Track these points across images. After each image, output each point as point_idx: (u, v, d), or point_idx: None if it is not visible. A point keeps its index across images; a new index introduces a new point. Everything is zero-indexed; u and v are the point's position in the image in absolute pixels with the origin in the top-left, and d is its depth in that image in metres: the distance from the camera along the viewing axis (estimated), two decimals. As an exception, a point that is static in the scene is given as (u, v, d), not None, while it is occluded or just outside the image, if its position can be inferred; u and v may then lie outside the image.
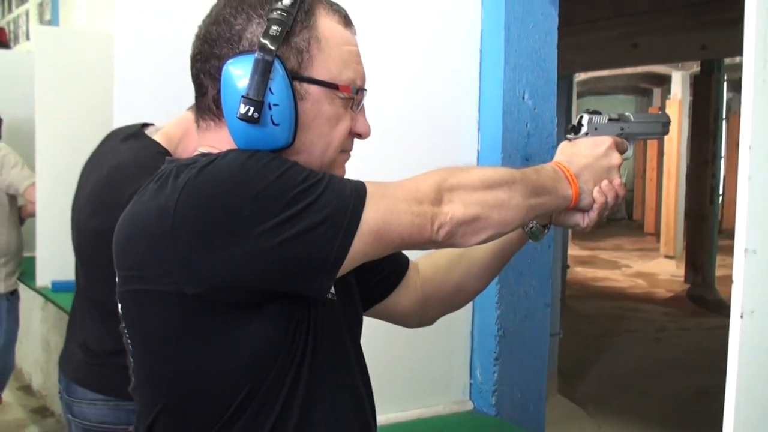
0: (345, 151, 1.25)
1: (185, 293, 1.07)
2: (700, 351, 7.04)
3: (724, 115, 9.96)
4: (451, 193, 1.16)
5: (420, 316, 1.59)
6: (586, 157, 1.39)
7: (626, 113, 1.52)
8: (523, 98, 2.30)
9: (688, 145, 10.32)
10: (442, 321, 2.17)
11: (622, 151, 1.45)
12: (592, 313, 8.21)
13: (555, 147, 2.37)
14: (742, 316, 1.02)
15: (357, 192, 1.11)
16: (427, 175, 1.19)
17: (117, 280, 1.20)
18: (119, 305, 1.22)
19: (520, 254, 1.61)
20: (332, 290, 1.22)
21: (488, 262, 1.52)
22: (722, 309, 8.68)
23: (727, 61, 9.09)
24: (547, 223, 1.46)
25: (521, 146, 2.30)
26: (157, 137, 2.00)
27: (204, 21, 1.21)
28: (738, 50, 5.57)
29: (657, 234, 12.67)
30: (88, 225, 2.00)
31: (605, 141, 1.42)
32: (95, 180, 2.00)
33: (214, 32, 1.17)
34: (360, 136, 1.25)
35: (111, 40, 2.80)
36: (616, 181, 1.41)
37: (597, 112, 1.47)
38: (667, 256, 11.58)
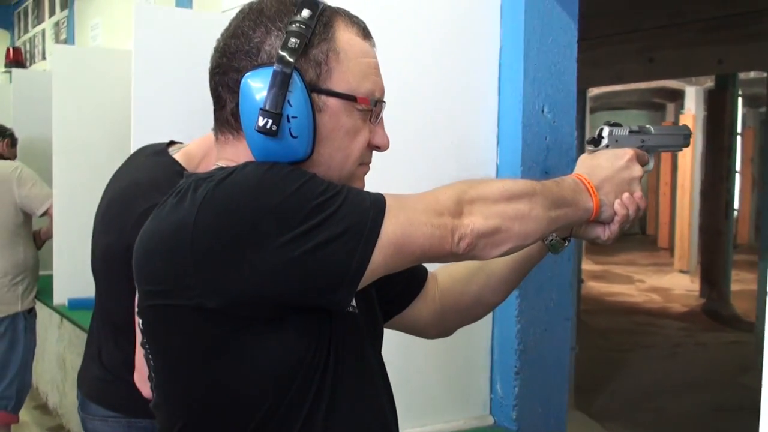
0: (364, 163, 1.25)
1: (206, 308, 1.07)
2: (717, 366, 6.99)
3: (739, 130, 9.93)
4: (472, 205, 1.16)
5: (438, 328, 1.58)
6: (607, 170, 1.38)
7: (647, 125, 1.51)
8: (543, 111, 2.29)
9: (702, 160, 10.29)
10: (462, 335, 2.16)
11: (643, 164, 1.44)
12: (606, 328, 8.16)
13: (575, 161, 2.37)
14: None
15: (376, 204, 1.10)
16: (446, 187, 1.18)
17: (137, 295, 1.20)
18: (140, 320, 1.22)
19: (539, 267, 1.59)
20: (353, 303, 1.22)
21: (507, 274, 1.51)
22: (738, 324, 8.63)
23: (741, 76, 9.06)
24: (567, 235, 1.45)
25: (541, 160, 2.29)
26: (177, 156, 2.00)
27: (222, 34, 1.21)
28: (754, 64, 5.57)
29: (671, 249, 12.60)
30: (99, 241, 2.01)
31: (626, 153, 1.41)
32: (111, 195, 2.01)
33: (233, 45, 1.18)
34: (378, 148, 1.25)
35: (129, 58, 2.82)
36: (637, 193, 1.40)
37: (617, 125, 1.46)
38: (681, 271, 11.52)
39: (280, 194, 1.06)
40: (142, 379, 1.76)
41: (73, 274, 4.05)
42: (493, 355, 2.38)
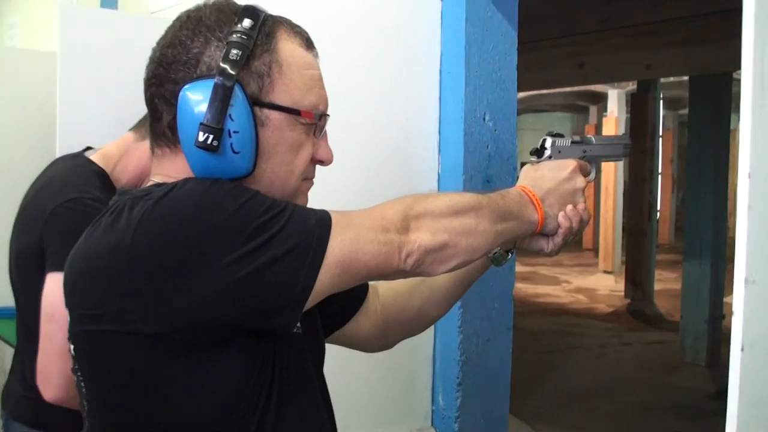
0: (308, 179, 1.21)
1: (143, 333, 1.01)
2: (643, 366, 7.12)
3: (660, 133, 10.16)
4: (418, 221, 1.13)
5: (380, 341, 1.55)
6: (551, 181, 1.37)
7: (588, 135, 1.51)
8: (484, 119, 2.27)
9: (625, 162, 10.49)
10: (403, 347, 2.11)
11: (585, 174, 1.43)
12: (535, 330, 8.24)
13: (516, 169, 2.36)
14: (742, 349, 0.99)
15: (322, 222, 1.06)
16: (392, 202, 1.15)
17: (68, 318, 1.13)
18: (71, 345, 1.14)
19: (482, 277, 1.57)
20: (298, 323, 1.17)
21: (450, 287, 1.50)
22: (661, 323, 8.82)
23: (662, 79, 9.27)
24: (511, 248, 1.44)
25: (482, 168, 2.27)
26: (94, 157, 1.94)
27: (159, 43, 1.15)
28: (681, 70, 5.68)
29: (595, 249, 12.84)
30: (13, 246, 1.94)
31: (569, 164, 1.40)
32: (25, 201, 1.95)
33: (170, 55, 1.12)
34: (322, 162, 1.21)
35: (53, 59, 2.70)
36: (581, 205, 1.39)
37: (560, 135, 1.45)
38: (605, 272, 11.74)
39: (222, 213, 1.01)
40: (44, 379, 1.72)
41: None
42: (435, 366, 2.36)
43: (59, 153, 2.32)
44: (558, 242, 1.38)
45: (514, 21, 2.32)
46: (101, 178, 1.90)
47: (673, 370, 6.88)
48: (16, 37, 5.48)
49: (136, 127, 1.99)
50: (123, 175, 1.95)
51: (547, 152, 1.42)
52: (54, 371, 1.70)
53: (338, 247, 1.05)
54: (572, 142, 1.46)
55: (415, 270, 1.14)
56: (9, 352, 3.56)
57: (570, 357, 7.45)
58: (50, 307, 1.69)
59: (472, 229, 1.18)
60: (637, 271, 9.29)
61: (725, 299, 7.26)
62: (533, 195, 1.33)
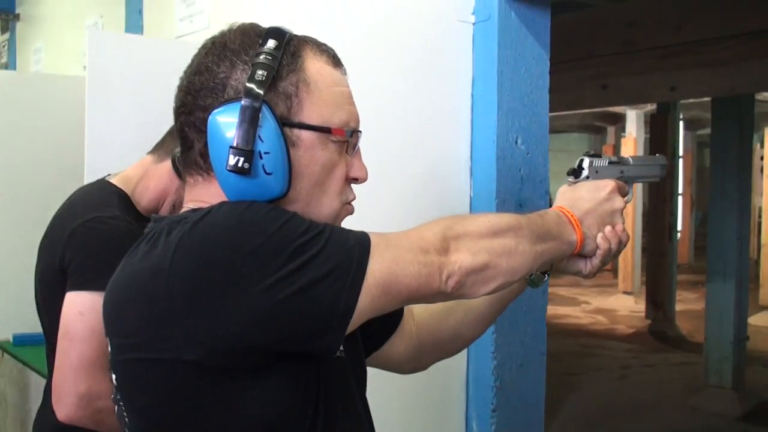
0: (348, 203, 1.19)
1: (184, 360, 1.00)
2: (666, 388, 7.06)
3: (681, 154, 10.12)
4: (458, 242, 1.12)
5: (414, 363, 1.53)
6: (589, 202, 1.35)
7: (625, 156, 1.49)
8: (516, 143, 2.26)
9: (645, 184, 10.44)
10: (437, 373, 2.09)
11: (623, 195, 1.41)
12: (556, 351, 8.16)
13: (548, 192, 2.35)
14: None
15: (360, 243, 1.05)
16: (431, 224, 1.14)
17: (110, 348, 1.12)
18: (112, 375, 1.13)
19: (515, 301, 1.55)
20: (341, 347, 1.15)
21: (486, 309, 1.48)
22: (684, 344, 8.75)
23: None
24: (548, 269, 1.41)
25: (515, 191, 2.26)
26: (114, 180, 1.96)
27: (185, 71, 1.15)
28: (705, 92, 5.66)
29: (614, 270, 12.76)
30: (38, 269, 1.94)
31: (608, 185, 1.39)
32: (49, 225, 1.95)
33: (197, 82, 1.11)
34: (357, 180, 1.19)
35: (80, 84, 2.72)
36: (619, 226, 1.38)
37: (597, 155, 1.44)
38: (625, 292, 11.66)
39: (260, 235, 1.00)
40: (56, 397, 1.71)
41: (17, 308, 3.87)
42: (469, 391, 2.32)
43: (87, 178, 2.33)
44: (596, 264, 1.36)
45: (546, 44, 2.31)
46: (121, 198, 1.91)
47: (697, 392, 6.80)
48: (41, 62, 5.51)
49: (154, 150, 2.00)
50: (143, 196, 1.96)
51: (585, 172, 1.41)
52: (65, 389, 1.69)
53: (378, 269, 1.04)
54: (610, 162, 1.44)
55: (457, 292, 1.13)
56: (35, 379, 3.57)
57: (592, 379, 7.39)
58: (65, 324, 1.69)
59: (512, 250, 1.17)
60: (657, 292, 9.23)
61: (749, 320, 7.20)
62: (572, 215, 1.32)
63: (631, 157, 1.50)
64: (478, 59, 2.27)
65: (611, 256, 1.37)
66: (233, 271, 0.98)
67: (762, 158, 10.77)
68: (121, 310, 1.07)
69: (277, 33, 1.12)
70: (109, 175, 2.02)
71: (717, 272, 6.78)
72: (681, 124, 10.29)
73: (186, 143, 1.15)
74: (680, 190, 11.43)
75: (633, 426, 6.01)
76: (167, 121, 1.19)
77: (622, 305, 11.22)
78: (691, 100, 9.87)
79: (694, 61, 4.92)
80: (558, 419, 5.96)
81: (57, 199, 2.06)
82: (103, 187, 1.94)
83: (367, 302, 1.04)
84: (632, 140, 11.86)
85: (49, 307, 1.91)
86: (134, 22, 3.66)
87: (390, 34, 2.15)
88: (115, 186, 1.92)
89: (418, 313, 1.50)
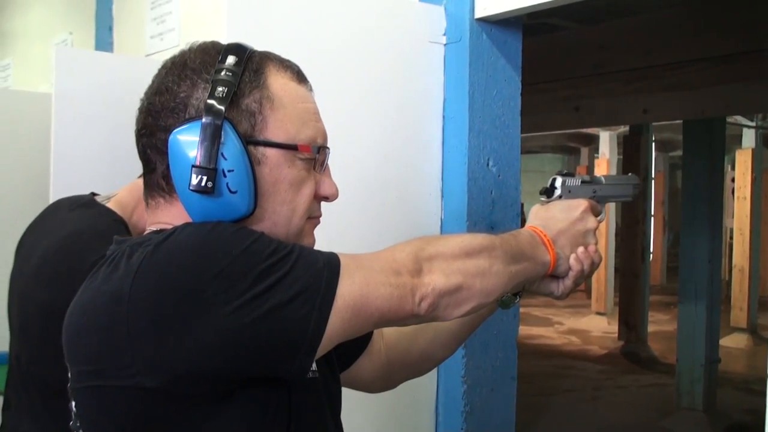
0: (314, 217, 1.16)
1: (145, 387, 0.96)
2: (638, 410, 7.05)
3: (653, 175, 10.19)
4: (431, 263, 1.09)
5: (383, 382, 1.51)
6: (562, 222, 1.34)
7: (597, 175, 1.48)
8: (488, 165, 2.24)
9: (617, 204, 10.49)
10: (406, 397, 2.06)
11: (596, 214, 1.40)
12: (528, 372, 8.16)
13: (519, 215, 2.33)
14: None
15: (330, 264, 1.02)
16: (402, 245, 1.11)
17: (69, 375, 1.08)
18: (72, 402, 1.09)
19: (485, 325, 1.55)
20: (314, 367, 1.12)
21: (456, 329, 1.46)
22: (656, 365, 8.76)
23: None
24: (519, 291, 1.39)
25: (486, 214, 2.24)
26: (110, 205, 1.89)
27: (146, 92, 1.12)
28: (677, 114, 5.70)
29: (587, 290, 12.79)
30: (37, 296, 1.85)
31: (581, 204, 1.37)
32: (45, 250, 1.87)
33: (158, 103, 1.08)
34: (327, 198, 1.17)
35: (47, 101, 2.68)
36: (592, 247, 1.36)
37: (570, 174, 1.42)
38: (598, 313, 11.67)
39: (225, 256, 0.96)
40: None
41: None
42: (438, 416, 2.30)
43: (53, 194, 2.29)
44: (568, 285, 1.35)
45: (518, 66, 2.30)
46: (122, 227, 1.86)
47: (668, 414, 6.81)
48: (10, 78, 5.46)
49: None
50: (140, 222, 1.91)
51: (557, 192, 1.39)
52: None
53: (348, 291, 1.01)
54: (582, 182, 1.43)
55: (430, 314, 1.10)
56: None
57: (565, 400, 7.38)
58: None
59: (486, 271, 1.15)
60: (630, 313, 9.25)
61: (720, 341, 7.23)
62: (545, 236, 1.30)
63: (604, 176, 1.49)
64: (450, 80, 2.26)
65: (584, 277, 1.36)
66: (197, 295, 0.95)
67: (733, 180, 10.84)
68: (80, 336, 1.03)
69: (237, 49, 1.10)
70: (94, 194, 1.97)
71: (689, 294, 6.81)
72: (653, 145, 10.35)
73: (148, 166, 1.12)
74: (652, 212, 11.46)
75: (605, 448, 6.00)
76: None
77: (595, 326, 11.23)
78: (663, 123, 9.96)
79: (665, 84, 4.96)
80: (530, 441, 5.93)
81: (23, 216, 2.00)
82: (104, 213, 1.88)
83: (338, 325, 1.00)
84: (605, 161, 11.93)
85: (47, 342, 1.83)
86: (104, 39, 3.63)
87: (360, 53, 2.13)
88: (115, 213, 1.87)
89: (387, 332, 1.48)
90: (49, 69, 3.25)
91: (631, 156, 9.12)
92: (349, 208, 1.97)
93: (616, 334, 9.83)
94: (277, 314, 0.96)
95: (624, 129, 10.54)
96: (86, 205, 1.93)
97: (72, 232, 1.84)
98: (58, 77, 2.60)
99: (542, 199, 1.40)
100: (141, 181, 1.92)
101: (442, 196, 2.27)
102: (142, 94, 1.13)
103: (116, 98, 2.49)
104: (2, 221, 3.26)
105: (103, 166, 2.48)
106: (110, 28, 3.60)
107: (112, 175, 2.38)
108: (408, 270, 1.07)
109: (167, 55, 1.14)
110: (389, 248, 1.11)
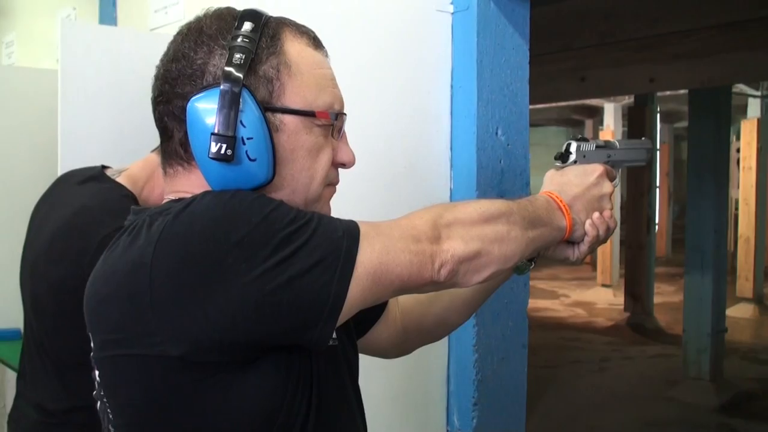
0: (331, 184, 1.16)
1: (169, 355, 0.96)
2: (645, 380, 7.09)
3: (658, 146, 10.16)
4: (449, 229, 1.09)
5: (399, 348, 1.52)
6: (578, 187, 1.34)
7: (612, 140, 1.47)
8: (497, 134, 2.23)
9: (623, 176, 10.48)
10: (418, 366, 2.06)
11: (611, 179, 1.39)
12: (535, 344, 8.13)
13: (528, 184, 2.33)
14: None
15: (349, 232, 1.02)
16: (420, 212, 1.11)
17: (92, 344, 1.08)
18: (96, 371, 1.10)
19: (495, 294, 1.54)
20: (333, 334, 1.12)
21: (471, 295, 1.46)
22: (662, 336, 8.80)
23: (658, 92, 9.29)
24: (534, 256, 1.38)
25: (495, 183, 2.23)
26: (120, 179, 1.89)
27: (162, 59, 1.12)
28: (684, 83, 5.68)
29: (593, 263, 12.80)
30: (49, 273, 1.86)
31: (596, 169, 1.37)
32: (55, 225, 1.87)
33: (174, 70, 1.08)
34: (344, 165, 1.17)
35: (54, 77, 2.67)
36: (607, 212, 1.36)
37: (584, 139, 1.41)
38: (604, 285, 11.70)
39: (245, 225, 0.96)
40: None
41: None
42: (449, 386, 2.30)
43: (61, 169, 2.29)
44: (584, 250, 1.35)
45: (526, 34, 2.29)
46: (132, 202, 1.86)
47: (675, 384, 6.84)
48: (14, 55, 5.44)
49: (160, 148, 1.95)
50: (150, 197, 1.92)
51: (572, 157, 1.38)
52: None
53: (368, 259, 1.01)
54: (597, 147, 1.42)
55: (449, 281, 1.10)
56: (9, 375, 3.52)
57: (571, 372, 7.41)
58: None
59: (505, 236, 1.15)
60: (636, 285, 9.27)
61: (727, 311, 7.25)
62: (561, 201, 1.30)
63: (618, 140, 1.48)
64: (458, 49, 2.24)
65: (599, 242, 1.35)
66: (218, 263, 0.94)
67: (738, 151, 10.81)
68: (103, 306, 1.03)
69: (252, 15, 1.09)
70: (105, 167, 1.97)
71: (695, 264, 6.82)
72: (658, 116, 10.31)
73: (165, 133, 1.12)
74: (657, 183, 11.44)
75: (612, 418, 6.03)
76: (142, 114, 1.15)
77: (601, 298, 11.26)
78: (668, 93, 9.92)
79: (671, 53, 4.93)
80: (537, 412, 5.96)
81: (32, 192, 2.00)
82: (113, 188, 1.89)
83: (358, 293, 1.01)
84: (610, 133, 11.89)
85: (61, 317, 1.84)
86: (108, 14, 3.60)
87: (367, 23, 2.12)
88: (125, 187, 1.88)
89: (402, 299, 1.48)
90: (53, 44, 3.24)
91: (636, 127, 9.09)
92: (357, 179, 1.95)
93: (622, 306, 9.86)
94: (297, 282, 0.96)
95: (629, 100, 10.50)
96: (96, 178, 1.93)
97: (80, 209, 1.85)
98: (63, 52, 2.59)
99: (557, 164, 1.39)
100: (154, 155, 1.94)
101: (452, 166, 2.26)
102: (148, 67, 1.13)
103: (121, 72, 2.49)
104: (11, 199, 3.28)
105: (108, 139, 2.48)
106: (114, 3, 3.57)
107: (119, 148, 2.38)
108: (427, 237, 1.07)
109: (172, 28, 1.14)
110: (408, 215, 1.11)
